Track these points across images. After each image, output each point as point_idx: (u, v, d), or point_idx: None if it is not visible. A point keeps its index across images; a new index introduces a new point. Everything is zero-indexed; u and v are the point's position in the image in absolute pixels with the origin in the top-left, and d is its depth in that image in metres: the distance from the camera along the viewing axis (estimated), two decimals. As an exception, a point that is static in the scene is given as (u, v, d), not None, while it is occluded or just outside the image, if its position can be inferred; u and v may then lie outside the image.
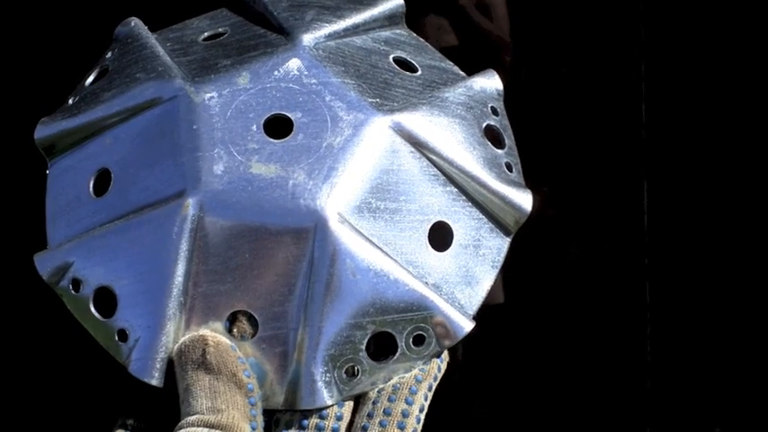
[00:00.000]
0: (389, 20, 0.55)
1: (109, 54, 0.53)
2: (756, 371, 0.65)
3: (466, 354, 0.48)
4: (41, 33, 0.66)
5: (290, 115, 0.48)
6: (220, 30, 0.53)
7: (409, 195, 0.48)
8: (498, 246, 0.50)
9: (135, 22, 0.53)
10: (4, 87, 0.66)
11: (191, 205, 0.46)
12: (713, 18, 0.67)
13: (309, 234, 0.46)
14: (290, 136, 0.47)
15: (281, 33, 0.51)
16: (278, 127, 0.48)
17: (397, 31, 0.55)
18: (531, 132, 0.53)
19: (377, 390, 0.47)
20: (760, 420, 0.66)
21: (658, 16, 0.68)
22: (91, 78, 0.53)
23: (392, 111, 0.48)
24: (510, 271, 0.49)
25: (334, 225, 0.46)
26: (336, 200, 0.46)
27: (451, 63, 0.55)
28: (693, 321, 0.67)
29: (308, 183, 0.46)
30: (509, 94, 0.53)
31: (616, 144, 0.68)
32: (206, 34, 0.53)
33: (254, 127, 0.47)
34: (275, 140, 0.47)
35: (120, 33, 0.53)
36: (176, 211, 0.46)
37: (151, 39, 0.52)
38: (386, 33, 0.55)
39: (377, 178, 0.47)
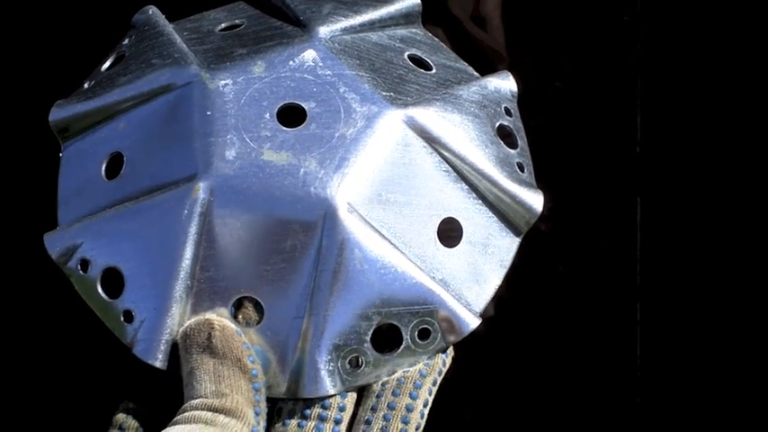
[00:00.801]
0: (405, 18, 0.55)
1: (126, 41, 0.53)
2: (748, 385, 0.65)
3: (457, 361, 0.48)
4: (58, 19, 0.66)
5: (303, 105, 0.48)
6: (237, 21, 0.54)
7: (420, 190, 0.48)
8: (507, 245, 0.50)
9: (152, 10, 0.54)
10: (20, 71, 0.66)
11: (201, 189, 0.46)
12: (711, 32, 0.67)
13: (318, 222, 0.46)
14: (303, 125, 0.47)
15: (298, 26, 0.51)
16: (291, 116, 0.48)
17: (413, 30, 0.56)
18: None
19: (381, 383, 0.46)
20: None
21: (655, 28, 0.68)
22: (107, 64, 0.53)
23: (406, 105, 0.49)
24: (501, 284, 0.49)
25: (344, 214, 0.46)
26: (347, 189, 0.46)
27: (466, 64, 0.55)
28: (684, 338, 0.66)
29: (320, 171, 0.46)
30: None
31: (609, 158, 0.68)
32: (223, 25, 0.53)
33: (268, 115, 0.47)
34: (288, 129, 0.47)
35: (137, 21, 0.54)
36: (187, 194, 0.46)
37: (168, 27, 0.53)
38: (402, 31, 0.55)
39: (388, 170, 0.47)
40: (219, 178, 0.46)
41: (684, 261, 0.67)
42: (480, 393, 0.63)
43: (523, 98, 0.54)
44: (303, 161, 0.46)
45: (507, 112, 0.53)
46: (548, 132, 0.57)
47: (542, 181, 0.52)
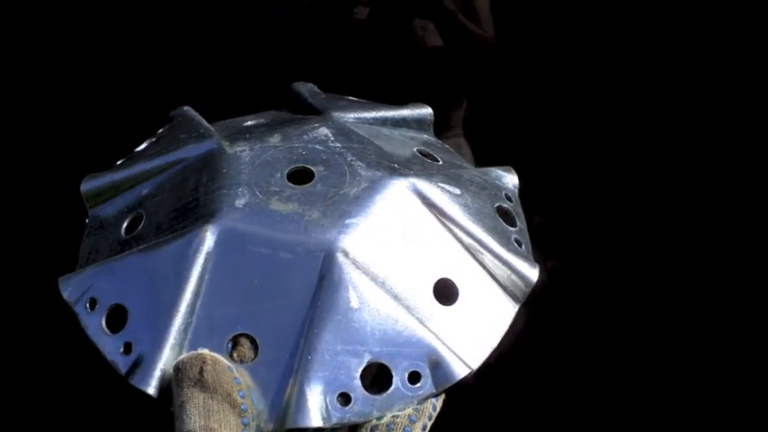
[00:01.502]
0: (418, 124, 0.60)
1: (161, 129, 0.59)
2: (749, 384, 0.61)
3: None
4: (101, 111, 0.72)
5: (312, 168, 0.51)
6: (263, 120, 0.59)
7: (418, 246, 0.50)
8: (504, 311, 0.51)
9: (188, 107, 0.59)
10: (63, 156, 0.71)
11: (209, 231, 0.48)
12: (711, 31, 0.68)
13: (317, 263, 0.47)
14: (310, 183, 0.51)
15: (315, 113, 0.56)
16: (300, 177, 0.51)
17: (425, 136, 0.60)
18: (513, 133, 0.55)
19: (370, 428, 0.46)
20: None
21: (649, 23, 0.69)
22: (143, 146, 0.58)
23: (408, 175, 0.52)
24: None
25: (341, 259, 0.48)
26: (346, 237, 0.48)
27: (474, 167, 0.59)
28: (686, 338, 0.63)
29: (322, 220, 0.49)
30: (492, 96, 0.56)
31: (605, 147, 0.67)
32: (250, 122, 0.59)
33: (278, 175, 0.51)
34: (296, 186, 0.51)
35: (174, 114, 0.59)
36: (195, 236, 0.49)
37: (199, 116, 0.58)
38: (413, 134, 0.59)
39: (388, 226, 0.50)
40: (227, 223, 0.49)
41: (685, 260, 0.65)
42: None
43: (512, 87, 0.56)
44: (307, 211, 0.49)
45: (508, 197, 0.55)
46: (538, 119, 0.58)
47: (534, 167, 0.53)
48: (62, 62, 0.70)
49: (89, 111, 0.72)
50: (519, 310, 0.51)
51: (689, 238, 0.67)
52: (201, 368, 0.46)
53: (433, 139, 0.60)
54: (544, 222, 0.53)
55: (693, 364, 0.65)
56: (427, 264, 0.50)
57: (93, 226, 0.54)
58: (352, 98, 0.61)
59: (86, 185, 0.55)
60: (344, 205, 0.50)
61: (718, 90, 0.69)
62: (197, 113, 0.59)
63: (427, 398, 0.47)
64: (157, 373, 0.46)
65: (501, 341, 0.50)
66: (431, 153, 0.57)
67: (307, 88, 0.60)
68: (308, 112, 0.58)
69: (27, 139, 0.68)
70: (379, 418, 0.46)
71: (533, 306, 0.53)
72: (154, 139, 0.58)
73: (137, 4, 0.62)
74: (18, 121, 0.70)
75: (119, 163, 0.57)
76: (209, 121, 0.60)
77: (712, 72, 0.70)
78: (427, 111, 0.60)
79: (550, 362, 0.65)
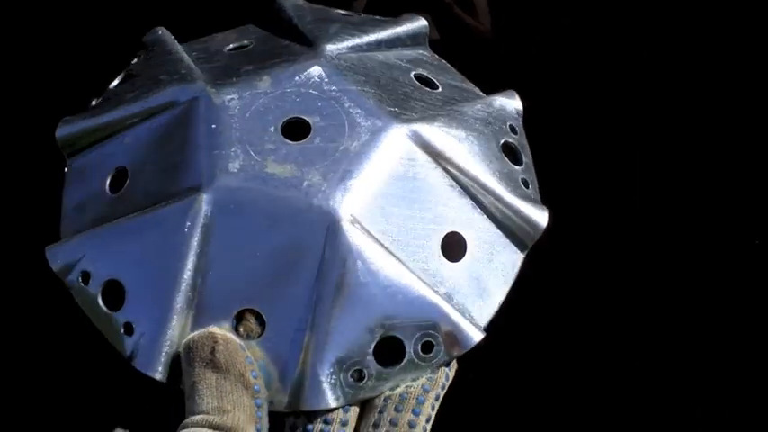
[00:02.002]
0: (413, 39, 0.55)
1: (135, 60, 0.54)
2: (753, 384, 0.63)
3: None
4: (69, 34, 0.67)
5: (308, 119, 0.48)
6: (245, 42, 0.54)
7: (424, 203, 0.48)
8: (512, 260, 0.49)
9: (162, 30, 0.54)
10: (27, 86, 0.66)
11: (204, 201, 0.46)
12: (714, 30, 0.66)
13: (321, 234, 0.45)
14: (307, 139, 0.47)
15: (305, 44, 0.52)
16: (296, 130, 0.48)
17: (420, 52, 0.56)
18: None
19: (383, 398, 0.46)
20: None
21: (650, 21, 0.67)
22: (116, 82, 0.53)
23: (410, 120, 0.49)
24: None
25: (347, 226, 0.45)
26: (350, 202, 0.46)
27: (473, 85, 0.55)
28: (688, 338, 0.65)
29: (323, 184, 0.46)
30: (490, 89, 0.54)
31: (608, 144, 0.67)
32: (231, 45, 0.54)
33: (272, 129, 0.48)
34: (292, 142, 0.47)
35: (147, 41, 0.54)
36: (189, 206, 0.46)
37: (177, 46, 0.53)
38: (409, 52, 0.55)
39: (392, 184, 0.47)
40: (222, 190, 0.46)
41: (685, 255, 0.66)
42: (482, 403, 0.61)
43: (512, 79, 0.54)
44: (306, 174, 0.46)
45: (512, 129, 0.53)
46: (539, 113, 0.57)
47: (536, 163, 0.52)
48: (72, 77, 0.64)
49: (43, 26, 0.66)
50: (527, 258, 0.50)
51: (689, 233, 0.66)
52: (213, 348, 0.45)
53: (427, 54, 0.56)
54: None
55: (697, 353, 0.65)
56: (434, 219, 0.48)
57: (74, 177, 0.51)
58: (340, 13, 0.56)
59: (62, 131, 0.51)
60: (345, 164, 0.47)
61: (719, 92, 0.66)
62: (174, 40, 0.54)
63: (440, 366, 0.46)
64: (162, 357, 0.45)
65: (509, 292, 0.49)
66: (429, 78, 0.53)
67: (291, 2, 0.55)
68: (293, 37, 0.53)
69: (33, 150, 0.63)
70: (392, 389, 0.46)
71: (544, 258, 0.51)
72: (129, 74, 0.53)
73: None
74: (24, 133, 0.65)
75: (93, 104, 0.53)
76: (184, 39, 0.55)
77: (715, 73, 0.66)
78: (421, 23, 0.56)
79: (561, 325, 0.64)
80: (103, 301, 0.47)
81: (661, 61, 0.67)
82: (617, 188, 0.67)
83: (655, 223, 0.66)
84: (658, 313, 0.65)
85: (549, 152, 0.54)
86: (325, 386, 0.45)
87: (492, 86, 0.55)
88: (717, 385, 0.64)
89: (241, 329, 0.46)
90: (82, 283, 0.47)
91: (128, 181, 0.49)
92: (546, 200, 0.51)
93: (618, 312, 0.65)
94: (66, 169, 0.51)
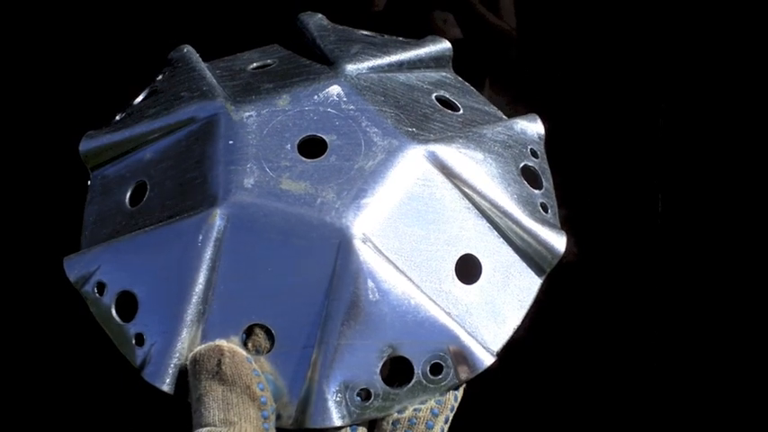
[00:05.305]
0: (436, 62, 0.55)
1: (160, 76, 0.55)
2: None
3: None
4: (96, 53, 0.68)
5: (324, 137, 0.48)
6: (269, 61, 0.55)
7: (439, 224, 0.47)
8: (528, 285, 0.49)
9: (187, 48, 0.55)
10: (53, 101, 0.67)
11: (218, 215, 0.46)
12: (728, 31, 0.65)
13: (332, 251, 0.45)
14: (323, 156, 0.47)
15: (326, 63, 0.52)
16: (312, 148, 0.48)
17: (443, 74, 0.56)
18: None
19: (391, 423, 0.45)
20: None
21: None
22: (140, 98, 0.54)
23: (427, 141, 0.48)
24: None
25: (358, 244, 0.45)
26: (363, 220, 0.46)
27: (495, 108, 0.55)
28: (700, 340, 0.63)
29: (336, 202, 0.46)
30: (513, 90, 0.53)
31: (626, 146, 0.65)
32: (254, 64, 0.54)
33: (289, 146, 0.48)
34: (308, 160, 0.47)
35: (172, 58, 0.55)
36: (203, 220, 0.46)
37: (200, 63, 0.54)
38: (431, 74, 0.55)
39: (407, 204, 0.47)
40: (237, 206, 0.46)
41: (704, 258, 0.64)
42: (489, 423, 0.61)
43: (533, 79, 0.53)
44: (321, 191, 0.46)
45: (533, 153, 0.52)
46: (559, 113, 0.56)
47: (552, 165, 0.51)
48: (97, 94, 0.66)
49: (77, 44, 0.67)
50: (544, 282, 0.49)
51: (709, 234, 0.65)
52: (219, 360, 0.45)
53: (450, 76, 0.56)
54: (562, 216, 0.51)
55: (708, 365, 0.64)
56: (449, 241, 0.47)
57: (97, 190, 0.51)
58: (363, 34, 0.56)
59: (85, 145, 0.52)
60: (360, 182, 0.47)
61: (725, 94, 0.65)
62: (198, 57, 0.54)
63: (449, 389, 0.46)
64: (171, 369, 0.45)
65: (525, 316, 0.49)
66: (450, 100, 0.53)
67: (314, 21, 0.56)
68: (315, 56, 0.53)
69: (57, 163, 0.65)
70: (400, 412, 0.45)
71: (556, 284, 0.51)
72: (153, 90, 0.54)
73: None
74: (48, 147, 0.66)
75: (117, 119, 0.53)
76: (210, 57, 0.55)
77: (719, 75, 0.66)
78: (445, 46, 0.56)
79: (573, 347, 0.64)
80: (117, 312, 0.47)
81: (686, 78, 0.66)
82: (638, 212, 0.66)
83: (677, 249, 0.65)
84: (675, 341, 0.64)
85: (568, 172, 0.54)
86: (331, 404, 0.44)
87: (511, 94, 0.54)
88: (737, 402, 0.62)
89: (250, 345, 0.46)
90: (97, 294, 0.47)
91: (146, 195, 0.49)
92: (565, 224, 0.51)
93: (632, 339, 0.64)
94: (89, 182, 0.52)
